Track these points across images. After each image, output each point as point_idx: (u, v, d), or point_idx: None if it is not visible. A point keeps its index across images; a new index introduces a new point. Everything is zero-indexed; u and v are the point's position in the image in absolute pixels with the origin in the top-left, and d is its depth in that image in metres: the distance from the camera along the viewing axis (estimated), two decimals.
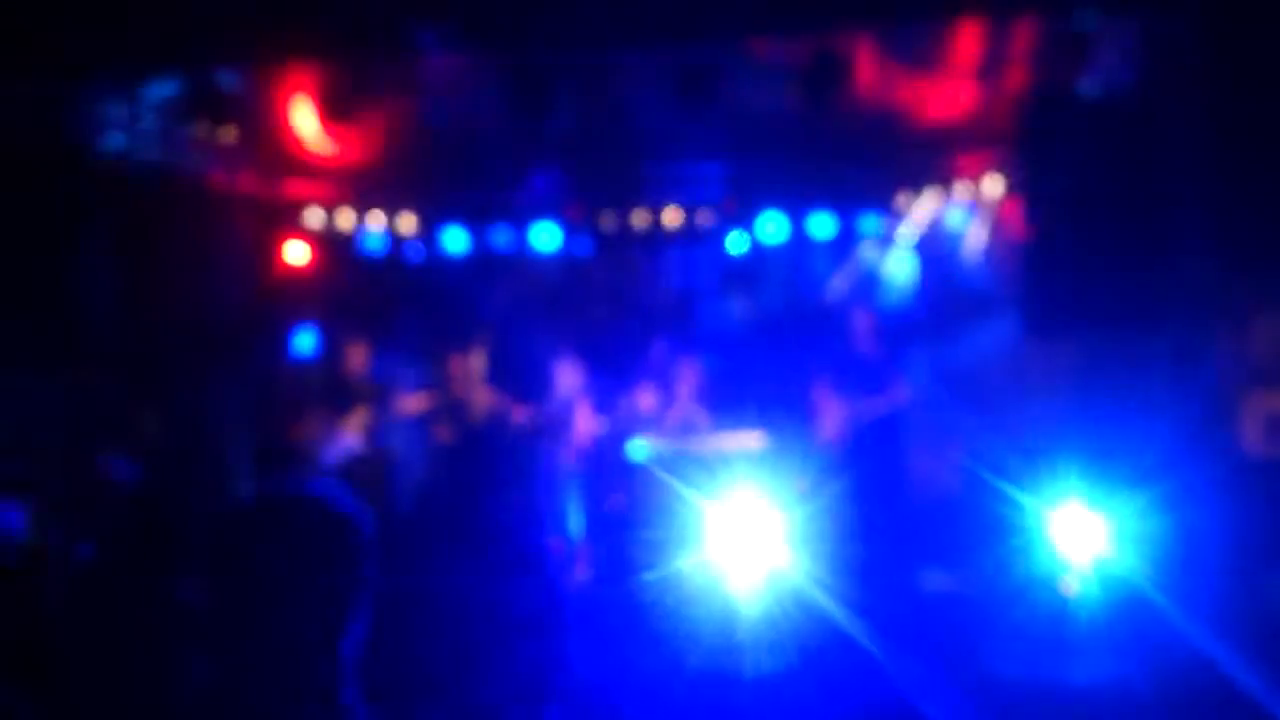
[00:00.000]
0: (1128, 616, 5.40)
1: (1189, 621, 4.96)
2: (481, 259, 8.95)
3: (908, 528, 6.26)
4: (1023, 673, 5.11)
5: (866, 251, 8.63)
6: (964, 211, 8.10)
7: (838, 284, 8.75)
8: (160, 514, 5.99)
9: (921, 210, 8.13)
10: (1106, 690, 5.06)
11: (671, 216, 8.45)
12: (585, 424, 7.73)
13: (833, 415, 7.47)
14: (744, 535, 6.43)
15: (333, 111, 5.79)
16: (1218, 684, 4.72)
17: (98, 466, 6.49)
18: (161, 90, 5.97)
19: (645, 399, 8.09)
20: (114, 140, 6.44)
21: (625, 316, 9.20)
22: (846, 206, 8.40)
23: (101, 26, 5.30)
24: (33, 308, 5.62)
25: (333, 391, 7.85)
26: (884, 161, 7.72)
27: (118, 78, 5.79)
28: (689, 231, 8.63)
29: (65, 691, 4.86)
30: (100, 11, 5.28)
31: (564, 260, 9.01)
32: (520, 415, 7.96)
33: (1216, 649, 4.79)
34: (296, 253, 8.57)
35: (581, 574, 6.84)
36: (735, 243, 8.66)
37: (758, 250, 8.67)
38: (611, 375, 8.03)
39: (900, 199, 8.16)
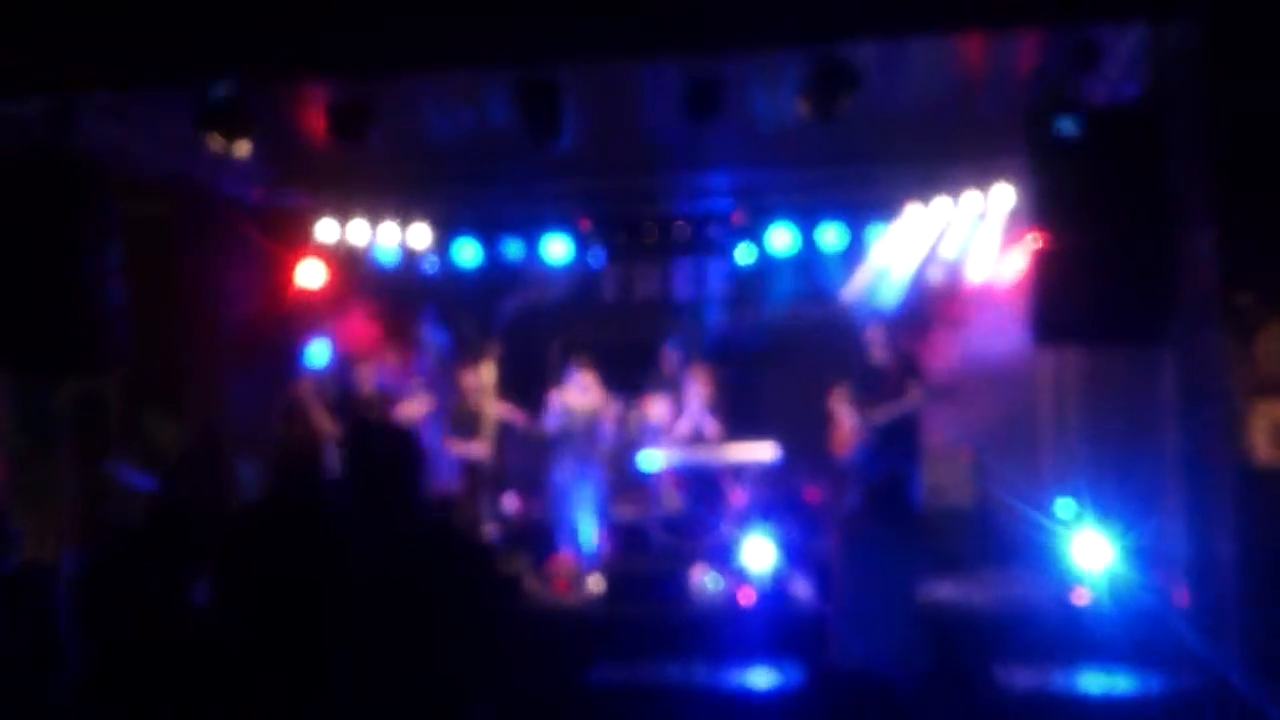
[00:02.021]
0: (1140, 630, 5.37)
1: (1201, 634, 4.93)
2: (493, 270, 8.98)
3: (919, 537, 6.23)
4: (1033, 685, 5.08)
5: (876, 260, 8.64)
6: (972, 220, 8.13)
7: (848, 293, 8.76)
8: (173, 519, 6.02)
9: (930, 219, 8.12)
10: (1118, 704, 5.02)
11: (682, 227, 8.45)
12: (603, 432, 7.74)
13: (845, 425, 7.46)
14: (758, 547, 6.44)
15: (342, 125, 5.82)
16: (1230, 696, 4.68)
17: (110, 473, 6.53)
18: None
19: (656, 409, 8.09)
20: (131, 150, 6.51)
21: (637, 326, 9.23)
22: (856, 216, 8.40)
23: (113, 38, 5.37)
24: (46, 316, 5.61)
25: (343, 402, 7.91)
26: (893, 171, 7.73)
27: (129, 89, 5.82)
28: (700, 241, 8.63)
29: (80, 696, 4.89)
30: (112, 23, 5.33)
31: (576, 271, 9.04)
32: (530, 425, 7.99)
33: (1229, 661, 4.76)
34: (311, 273, 8.62)
35: (594, 584, 6.83)
36: (745, 253, 8.67)
37: (767, 260, 8.68)
38: (623, 385, 8.04)
39: (909, 208, 8.15)
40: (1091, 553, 5.87)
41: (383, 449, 3.25)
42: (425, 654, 3.09)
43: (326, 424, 7.66)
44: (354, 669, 3.17)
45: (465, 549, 3.35)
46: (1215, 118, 5.05)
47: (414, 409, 7.91)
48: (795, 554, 6.63)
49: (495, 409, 8.08)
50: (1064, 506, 7.00)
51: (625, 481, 7.84)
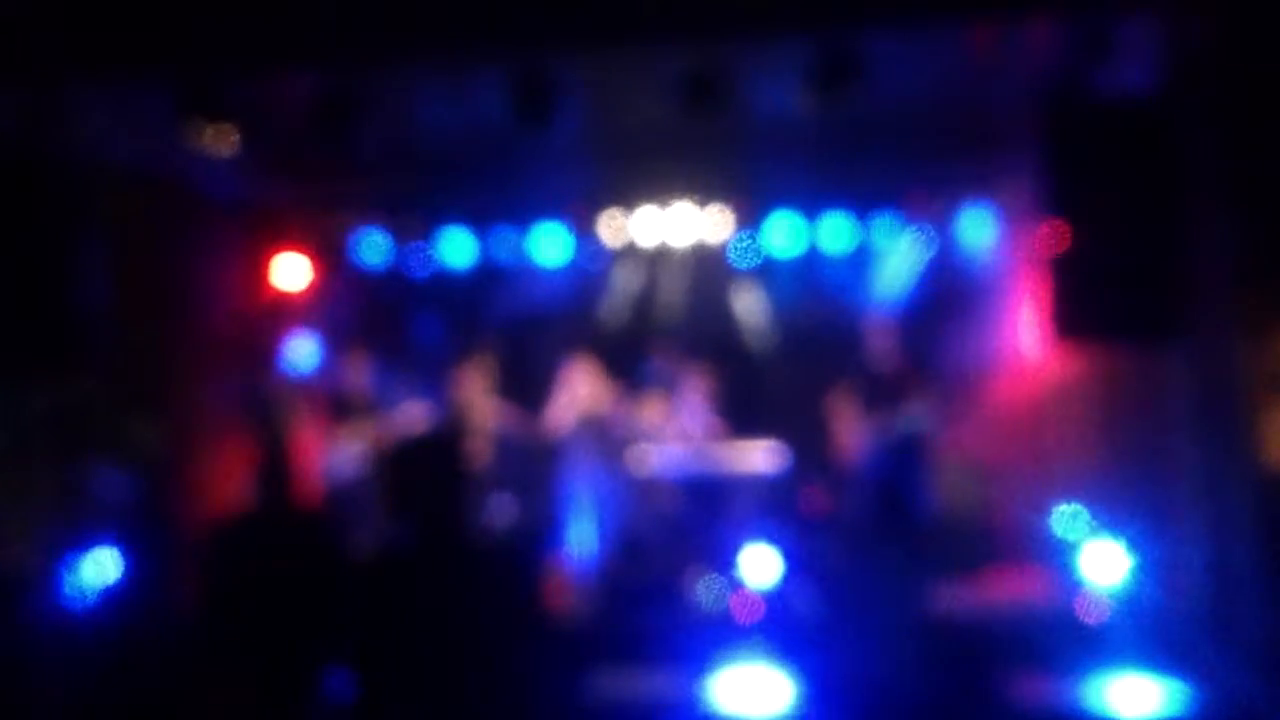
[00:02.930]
0: (1152, 639, 5.32)
1: (1215, 643, 4.87)
2: (485, 269, 8.89)
3: (925, 546, 6.19)
4: (1042, 696, 5.00)
5: (882, 258, 8.54)
6: (982, 216, 8.03)
7: (853, 291, 8.68)
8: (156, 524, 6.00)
9: (937, 215, 8.05)
10: (1129, 715, 4.95)
11: (681, 224, 8.36)
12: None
13: (848, 427, 7.38)
14: (758, 557, 6.35)
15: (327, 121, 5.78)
16: (1244, 707, 4.63)
17: (90, 477, 6.47)
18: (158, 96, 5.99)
19: (653, 410, 8.02)
20: (110, 147, 6.41)
21: (633, 325, 9.16)
22: (861, 211, 8.33)
23: (96, 32, 5.28)
24: (26, 316, 5.57)
25: (333, 404, 7.83)
26: (900, 165, 7.66)
27: (113, 83, 5.74)
28: (699, 239, 8.54)
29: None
30: (91, 16, 5.25)
31: (570, 268, 8.95)
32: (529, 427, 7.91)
33: (1243, 671, 4.70)
34: (294, 271, 8.50)
35: (588, 593, 6.73)
36: (746, 249, 8.57)
37: (769, 256, 8.59)
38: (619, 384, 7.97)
39: (916, 203, 8.06)
40: (1102, 561, 5.80)
41: (430, 463, 3.10)
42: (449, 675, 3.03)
43: (308, 426, 7.59)
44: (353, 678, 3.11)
45: (506, 568, 3.27)
46: (1231, 113, 5.00)
47: (415, 420, 7.84)
48: (798, 562, 6.54)
49: (491, 410, 7.99)
50: (1072, 515, 6.95)
51: (628, 487, 7.77)
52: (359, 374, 7.85)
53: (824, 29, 5.19)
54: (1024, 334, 6.76)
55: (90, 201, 5.90)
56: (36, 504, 6.26)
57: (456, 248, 8.68)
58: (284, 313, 8.45)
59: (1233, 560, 5.02)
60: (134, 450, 6.74)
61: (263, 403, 7.79)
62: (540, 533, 7.75)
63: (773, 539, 6.47)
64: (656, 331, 8.81)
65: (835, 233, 8.34)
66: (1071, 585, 5.96)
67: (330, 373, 8.21)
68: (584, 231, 8.52)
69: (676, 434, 7.87)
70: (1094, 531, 6.27)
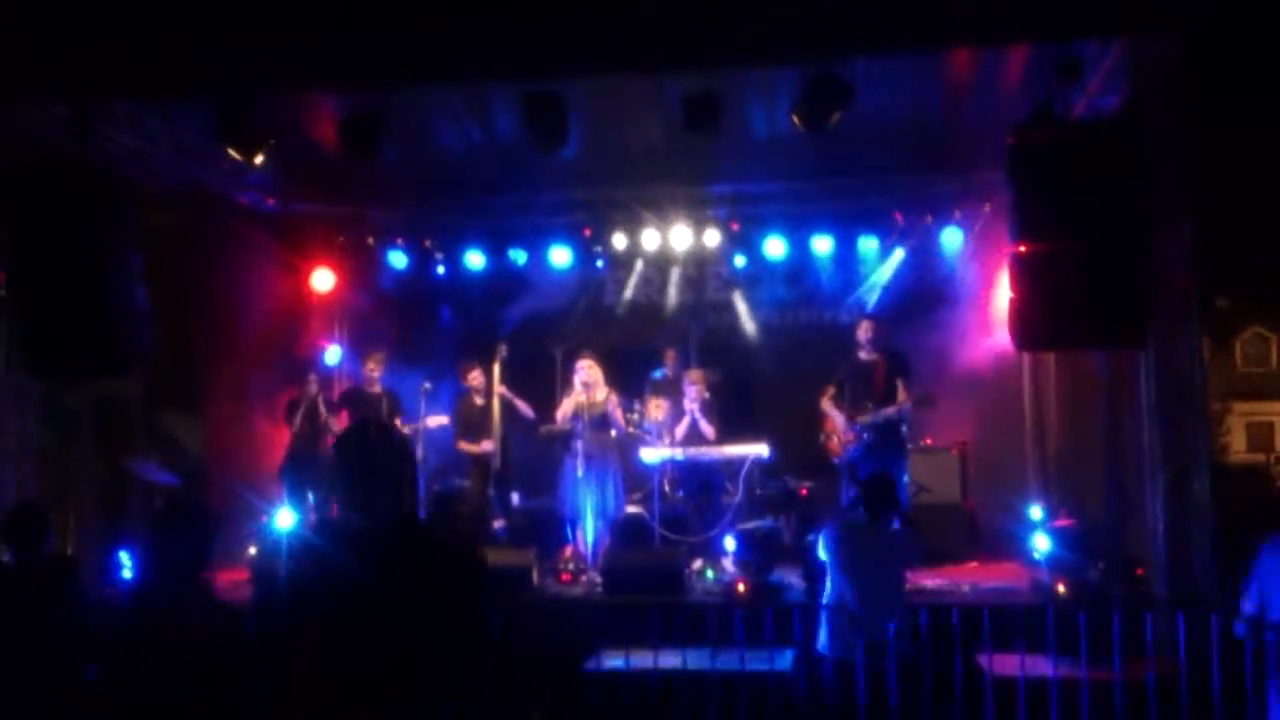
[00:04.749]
0: (1109, 621, 5.49)
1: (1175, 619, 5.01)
2: (500, 275, 9.13)
3: (907, 531, 6.36)
4: (1011, 671, 5.19)
5: (865, 265, 8.81)
6: (957, 229, 8.30)
7: (838, 297, 8.91)
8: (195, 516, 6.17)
9: (916, 226, 8.28)
10: (1090, 689, 5.13)
11: (680, 235, 8.59)
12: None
13: (835, 424, 7.54)
14: (747, 542, 6.58)
15: (354, 142, 5.96)
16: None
17: (132, 470, 6.66)
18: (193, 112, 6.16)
19: (657, 410, 8.19)
20: (151, 161, 6.66)
21: (638, 330, 9.38)
22: (845, 225, 8.56)
23: (133, 50, 5.50)
24: (71, 319, 5.73)
25: (352, 400, 8.08)
26: (881, 181, 7.91)
27: (148, 99, 5.98)
28: (697, 249, 8.77)
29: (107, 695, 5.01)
30: (132, 36, 5.47)
31: (579, 276, 9.20)
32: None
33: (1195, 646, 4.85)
34: (323, 278, 8.77)
35: (597, 576, 6.98)
36: (739, 259, 8.81)
37: (761, 265, 8.83)
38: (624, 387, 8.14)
39: (898, 217, 8.31)
40: (1058, 549, 6.07)
41: (377, 448, 2.93)
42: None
43: (331, 421, 7.87)
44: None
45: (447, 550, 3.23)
46: (1193, 129, 5.21)
47: (433, 423, 8.08)
48: (789, 547, 6.74)
49: (505, 399, 8.13)
50: (1041, 505, 7.13)
51: (628, 478, 7.95)
52: (379, 372, 8.15)
53: (812, 58, 5.43)
54: (998, 337, 6.91)
55: (132, 211, 6.07)
56: (82, 499, 6.46)
57: (473, 259, 8.92)
58: (316, 317, 8.68)
59: (1193, 549, 5.22)
60: (174, 447, 6.94)
61: (297, 402, 8.03)
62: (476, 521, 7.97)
63: (764, 527, 6.68)
64: (661, 336, 9.03)
65: (822, 246, 8.59)
66: (1039, 569, 6.23)
67: (354, 371, 8.50)
68: (591, 245, 8.75)
69: (678, 434, 8.02)
70: (1060, 520, 6.49)
